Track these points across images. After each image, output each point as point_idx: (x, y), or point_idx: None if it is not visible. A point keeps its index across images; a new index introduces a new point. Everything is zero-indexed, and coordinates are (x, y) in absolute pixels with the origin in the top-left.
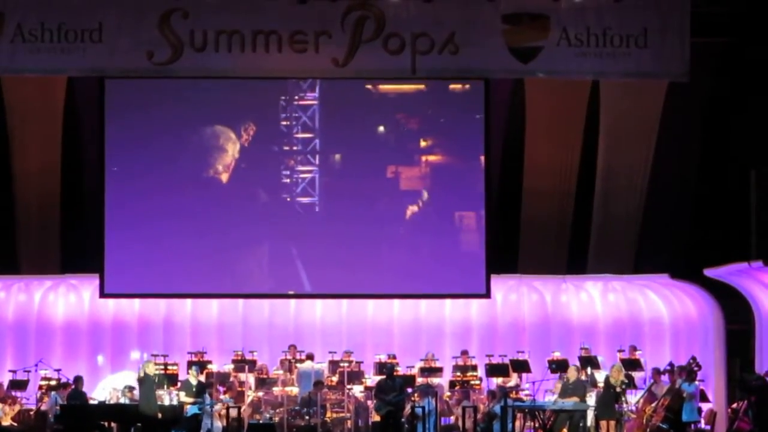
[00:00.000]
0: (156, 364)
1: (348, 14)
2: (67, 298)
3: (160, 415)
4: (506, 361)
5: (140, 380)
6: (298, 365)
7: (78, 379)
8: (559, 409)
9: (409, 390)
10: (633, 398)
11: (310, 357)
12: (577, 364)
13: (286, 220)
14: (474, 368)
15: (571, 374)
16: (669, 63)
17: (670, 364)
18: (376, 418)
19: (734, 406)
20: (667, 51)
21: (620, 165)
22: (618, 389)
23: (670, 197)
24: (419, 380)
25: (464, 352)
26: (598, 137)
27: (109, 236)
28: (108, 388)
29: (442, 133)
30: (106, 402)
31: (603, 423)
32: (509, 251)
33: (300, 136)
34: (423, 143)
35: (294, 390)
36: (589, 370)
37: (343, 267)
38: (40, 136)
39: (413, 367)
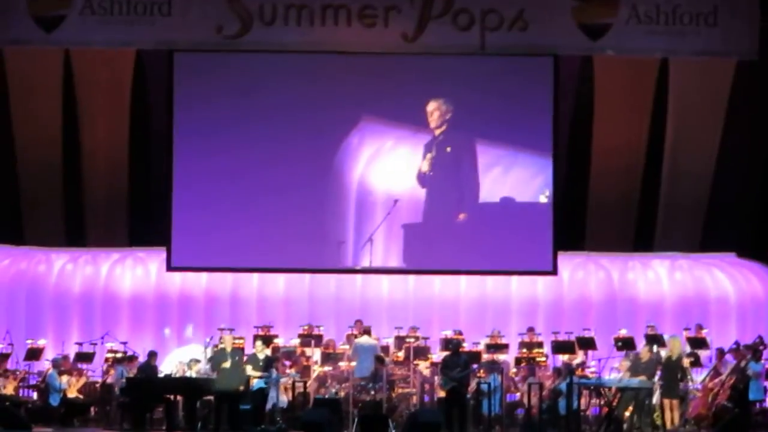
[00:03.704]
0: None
1: None
2: (134, 271)
3: (242, 388)
4: (572, 338)
5: (217, 354)
6: (355, 340)
7: (152, 354)
8: (625, 387)
9: (475, 366)
10: (699, 377)
11: (367, 331)
12: (644, 342)
13: (355, 196)
14: (540, 345)
15: (645, 354)
16: (738, 41)
17: (736, 343)
18: (442, 394)
19: None
20: (736, 29)
21: (689, 143)
22: (679, 361)
23: (737, 176)
24: (485, 357)
25: (530, 329)
26: (666, 115)
27: (176, 210)
28: (174, 361)
29: (510, 111)
30: (172, 375)
31: (666, 402)
32: (576, 229)
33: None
34: (490, 121)
35: (352, 364)
36: (654, 348)
37: (411, 243)
38: (109, 109)
39: (479, 343)
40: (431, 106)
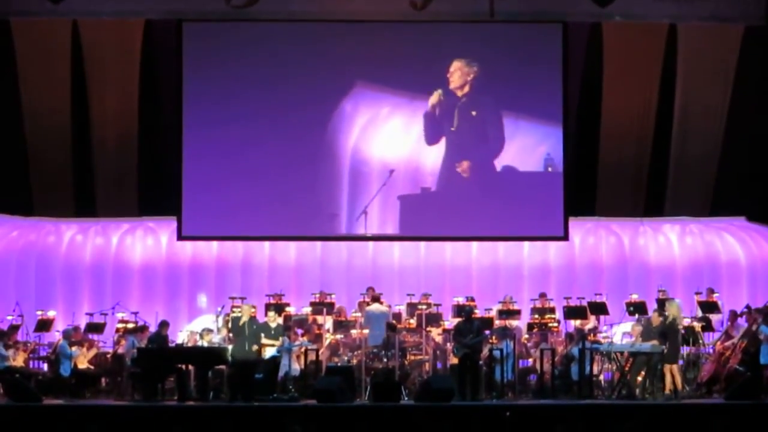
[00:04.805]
0: (235, 306)
1: None
2: (144, 241)
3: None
4: (584, 303)
5: (235, 323)
6: (366, 308)
7: (163, 324)
8: (637, 352)
9: (487, 332)
10: (710, 341)
11: (377, 299)
12: (656, 307)
13: (364, 163)
14: (552, 311)
15: (655, 319)
16: (745, 7)
17: (747, 307)
18: (455, 360)
19: None
20: None
21: (698, 108)
22: (674, 324)
23: (747, 140)
24: (497, 323)
25: (542, 295)
26: (675, 80)
27: (186, 179)
28: (187, 331)
29: (520, 76)
30: (184, 345)
31: (667, 367)
32: (587, 194)
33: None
34: (498, 88)
35: (364, 331)
36: (665, 312)
37: (422, 209)
38: (118, 79)
39: (491, 309)
40: (454, 66)
